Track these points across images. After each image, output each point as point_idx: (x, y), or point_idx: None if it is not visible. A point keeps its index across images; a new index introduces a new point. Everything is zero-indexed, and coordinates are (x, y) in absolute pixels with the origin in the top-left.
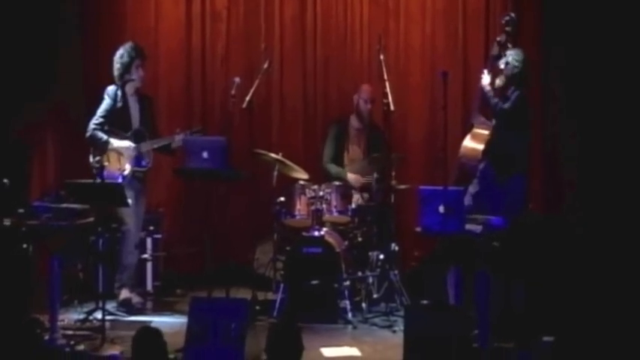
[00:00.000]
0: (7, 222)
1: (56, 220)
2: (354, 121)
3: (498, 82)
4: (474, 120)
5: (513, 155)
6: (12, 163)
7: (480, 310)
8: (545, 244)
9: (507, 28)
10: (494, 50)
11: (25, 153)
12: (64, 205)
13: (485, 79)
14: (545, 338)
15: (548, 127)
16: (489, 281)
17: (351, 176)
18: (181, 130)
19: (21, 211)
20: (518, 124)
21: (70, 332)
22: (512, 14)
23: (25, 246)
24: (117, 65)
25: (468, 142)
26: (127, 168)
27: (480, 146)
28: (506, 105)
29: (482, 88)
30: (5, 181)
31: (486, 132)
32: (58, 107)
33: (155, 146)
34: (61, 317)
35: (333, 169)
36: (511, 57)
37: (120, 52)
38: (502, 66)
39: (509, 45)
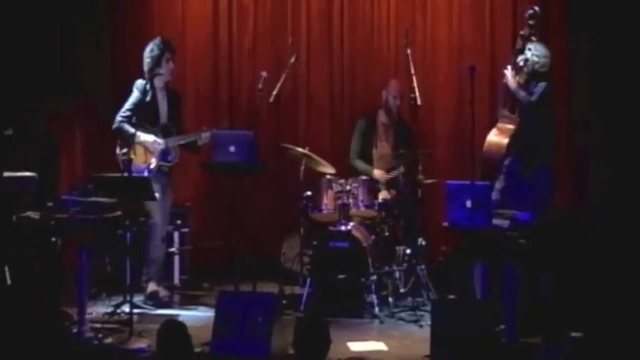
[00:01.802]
0: (36, 215)
1: (84, 214)
2: (382, 117)
3: (519, 78)
4: (498, 114)
5: (539, 146)
6: (41, 156)
7: (507, 305)
8: (572, 238)
9: (531, 22)
10: (518, 44)
11: (54, 146)
12: (92, 199)
13: (509, 74)
14: (573, 334)
15: (575, 120)
16: (516, 276)
17: (377, 172)
18: (208, 127)
19: (50, 204)
20: (543, 116)
21: (98, 325)
22: (536, 7)
23: (53, 239)
24: (147, 59)
25: (492, 137)
26: (153, 162)
27: (504, 140)
28: (533, 97)
29: (506, 84)
30: (34, 175)
31: (510, 126)
32: (85, 101)
33: (182, 142)
34: (89, 310)
35: (360, 165)
36: (530, 53)
37: (149, 46)
38: (521, 63)
39: (533, 39)
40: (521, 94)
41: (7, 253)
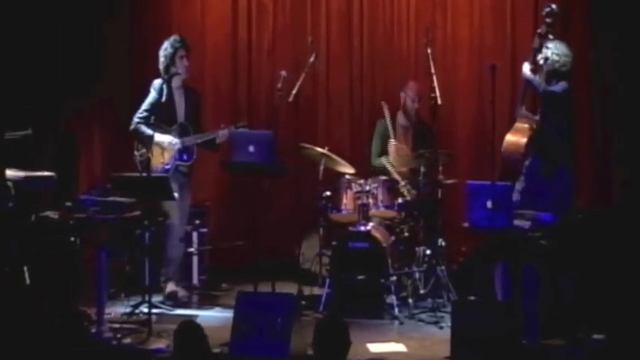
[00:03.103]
0: (55, 215)
1: (103, 214)
2: (400, 118)
3: (538, 77)
4: (517, 114)
5: (558, 146)
6: (60, 156)
7: (528, 307)
8: (594, 239)
9: (548, 20)
10: (535, 43)
11: (73, 146)
12: (111, 199)
13: (526, 68)
14: (596, 336)
15: (598, 121)
16: (538, 277)
17: (395, 175)
18: (226, 125)
19: (68, 204)
20: (563, 110)
21: (116, 325)
22: (553, 5)
23: (72, 239)
24: (161, 58)
25: (510, 137)
26: (170, 162)
27: (523, 140)
28: (552, 87)
29: (524, 78)
30: (53, 175)
31: (528, 126)
32: (104, 101)
33: (199, 141)
34: (107, 310)
35: (381, 161)
36: (550, 51)
37: (164, 44)
38: (541, 62)
39: (550, 37)
40: (537, 81)
41: (26, 253)
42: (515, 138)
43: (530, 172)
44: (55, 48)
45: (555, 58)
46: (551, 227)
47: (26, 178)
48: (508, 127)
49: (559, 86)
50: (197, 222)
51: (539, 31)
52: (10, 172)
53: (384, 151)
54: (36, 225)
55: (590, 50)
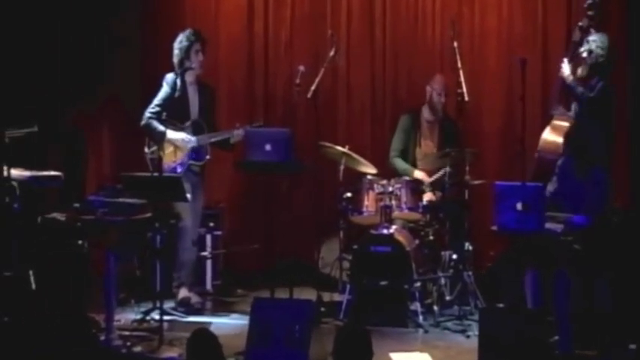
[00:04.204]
0: (61, 217)
1: (112, 216)
2: (426, 113)
3: (580, 71)
4: (554, 111)
5: (595, 146)
6: (68, 154)
7: (561, 315)
8: (631, 243)
9: (590, 12)
10: (576, 36)
11: (81, 144)
12: (121, 200)
13: (566, 68)
14: (631, 346)
15: (634, 119)
16: (571, 284)
17: (418, 173)
18: (241, 124)
19: (76, 205)
20: (602, 115)
21: (126, 333)
22: None
23: (80, 242)
24: (176, 51)
25: (548, 135)
26: (183, 161)
27: (561, 139)
28: (593, 94)
29: (562, 78)
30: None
31: (566, 124)
32: (114, 98)
33: (213, 140)
34: (117, 317)
35: (400, 164)
36: (594, 44)
37: (179, 37)
38: (584, 55)
39: (592, 30)
40: (579, 89)
41: (31, 257)
42: (553, 137)
43: (563, 171)
44: (63, 44)
45: (600, 52)
46: (585, 230)
47: (32, 177)
48: (539, 124)
49: (597, 90)
50: (211, 224)
51: (580, 24)
52: (14, 172)
53: (405, 149)
54: (42, 227)
55: (626, 45)
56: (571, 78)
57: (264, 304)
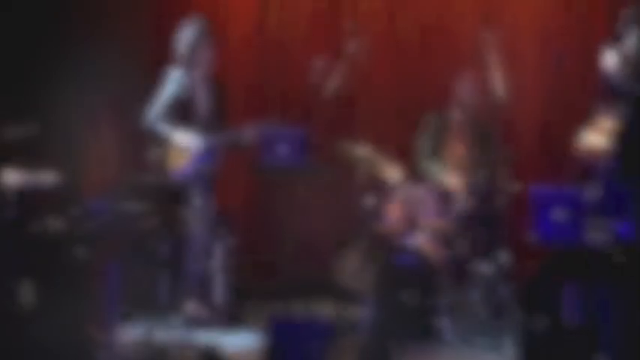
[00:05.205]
0: (59, 224)
1: (114, 223)
2: (456, 112)
3: (627, 65)
4: (597, 109)
5: None
6: (67, 157)
7: (605, 334)
8: None
9: None
10: (621, 26)
11: (81, 146)
12: (124, 206)
13: (610, 60)
14: None
15: None
16: (616, 299)
17: (449, 178)
18: (254, 125)
19: (75, 212)
20: None
21: (129, 350)
22: None
23: (79, 252)
24: (182, 46)
25: (592, 136)
26: (191, 165)
27: (605, 139)
28: None
29: (606, 71)
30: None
31: (611, 123)
32: (117, 97)
33: (224, 141)
34: (119, 333)
35: (429, 168)
36: None
37: (186, 31)
38: (631, 46)
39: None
40: (627, 85)
41: (25, 268)
42: (597, 138)
43: (607, 176)
44: (60, 40)
45: None
46: (631, 241)
47: (27, 181)
48: (581, 123)
49: None
50: (221, 232)
51: (627, 11)
52: (9, 175)
53: (434, 151)
54: (37, 235)
55: None
56: (617, 72)
57: (279, 321)
